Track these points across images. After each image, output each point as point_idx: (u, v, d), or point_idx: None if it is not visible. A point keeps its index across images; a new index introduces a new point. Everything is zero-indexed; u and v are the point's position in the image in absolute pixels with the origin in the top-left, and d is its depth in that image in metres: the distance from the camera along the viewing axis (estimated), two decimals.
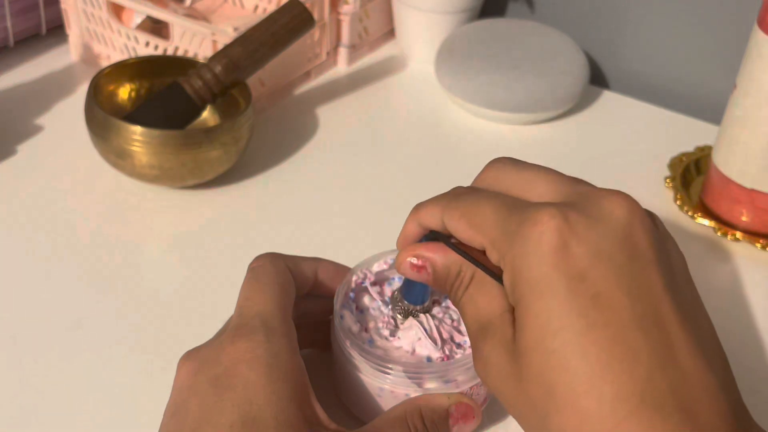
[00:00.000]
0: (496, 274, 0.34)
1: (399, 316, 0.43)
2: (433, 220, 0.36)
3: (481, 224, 0.34)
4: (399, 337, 0.42)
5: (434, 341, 0.41)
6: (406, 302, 0.42)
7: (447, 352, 0.41)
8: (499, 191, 0.35)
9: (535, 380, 0.30)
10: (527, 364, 0.30)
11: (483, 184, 0.37)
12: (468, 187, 0.37)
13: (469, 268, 0.35)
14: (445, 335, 0.42)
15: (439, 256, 0.36)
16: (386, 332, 0.43)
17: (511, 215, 0.32)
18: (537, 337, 0.30)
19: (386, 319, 0.43)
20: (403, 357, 0.41)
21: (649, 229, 0.32)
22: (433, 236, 0.37)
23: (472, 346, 0.34)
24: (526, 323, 0.31)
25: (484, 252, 0.34)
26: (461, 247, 0.35)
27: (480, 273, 0.35)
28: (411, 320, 0.42)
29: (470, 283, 0.35)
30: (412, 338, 0.42)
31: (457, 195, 0.36)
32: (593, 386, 0.29)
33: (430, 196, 0.54)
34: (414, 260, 0.37)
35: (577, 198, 0.32)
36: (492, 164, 0.37)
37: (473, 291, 0.35)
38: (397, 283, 0.46)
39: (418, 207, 0.37)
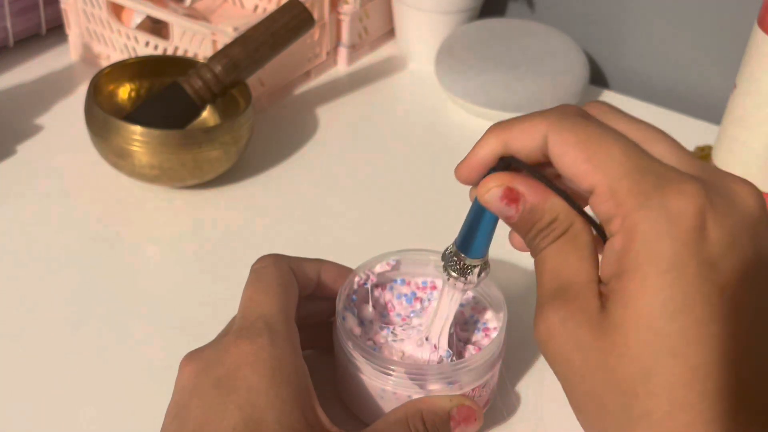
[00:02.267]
0: (601, 229, 0.30)
1: (453, 274, 0.37)
2: (529, 139, 0.31)
3: (605, 163, 0.29)
4: (401, 339, 0.42)
5: (439, 346, 0.41)
6: (463, 256, 0.37)
7: (447, 355, 0.41)
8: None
9: (630, 359, 0.28)
10: (622, 341, 0.28)
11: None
12: (580, 109, 0.32)
13: (567, 217, 0.31)
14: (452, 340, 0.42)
15: (535, 193, 0.31)
16: (389, 335, 0.42)
17: (648, 172, 0.29)
18: (648, 314, 0.27)
19: (388, 319, 0.43)
20: (405, 359, 0.41)
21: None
22: (506, 166, 0.32)
23: (541, 304, 0.31)
24: (637, 297, 0.28)
25: (580, 199, 0.31)
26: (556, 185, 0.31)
27: (575, 228, 0.31)
28: (413, 320, 0.42)
29: (562, 236, 0.31)
30: (415, 340, 0.42)
31: (571, 115, 0.31)
32: (699, 379, 0.27)
33: (430, 196, 0.53)
34: (501, 191, 0.31)
35: (710, 176, 0.30)
36: (594, 104, 0.33)
37: (563, 245, 0.31)
38: (399, 286, 0.46)
39: (507, 123, 0.32)
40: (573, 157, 0.30)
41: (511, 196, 0.31)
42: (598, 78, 0.80)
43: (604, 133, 0.30)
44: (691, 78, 0.76)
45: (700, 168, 0.30)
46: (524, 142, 0.31)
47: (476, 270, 0.37)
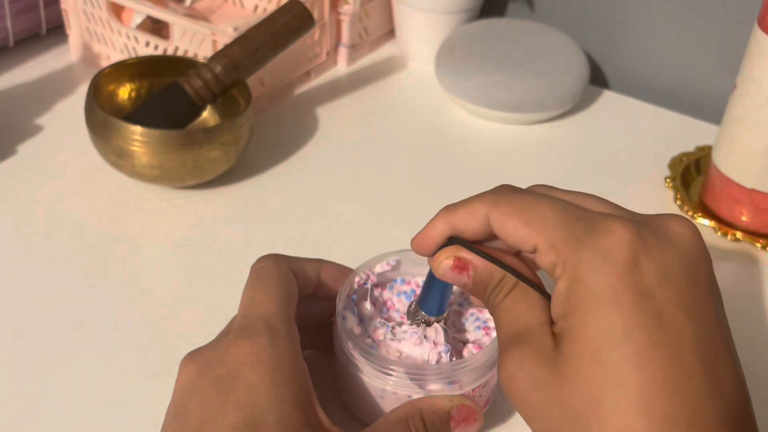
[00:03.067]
0: (538, 286, 0.34)
1: (417, 326, 0.42)
2: (472, 219, 0.35)
3: (539, 223, 0.32)
4: (401, 339, 0.42)
5: (438, 345, 0.41)
6: (423, 313, 0.42)
7: (445, 355, 0.41)
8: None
9: (580, 391, 0.30)
10: (573, 374, 0.30)
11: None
12: (513, 186, 0.36)
13: (511, 275, 0.35)
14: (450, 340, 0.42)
15: (481, 258, 0.35)
16: (388, 334, 0.42)
17: (578, 220, 0.32)
18: (593, 347, 0.30)
19: (389, 320, 0.43)
20: (405, 358, 0.41)
21: (708, 257, 0.32)
22: (453, 243, 0.36)
23: (501, 352, 0.33)
24: (582, 332, 0.30)
25: (518, 256, 0.35)
26: (494, 255, 0.35)
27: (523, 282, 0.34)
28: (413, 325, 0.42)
29: (512, 291, 0.34)
30: (414, 340, 0.42)
31: (504, 192, 0.35)
32: (645, 405, 0.28)
33: (430, 196, 0.53)
34: (451, 262, 0.36)
35: (642, 218, 0.32)
36: (533, 186, 0.36)
37: (514, 298, 0.34)
38: (399, 285, 0.46)
39: (452, 207, 0.36)
40: (513, 226, 0.33)
41: (461, 265, 0.36)
42: (598, 78, 0.80)
43: (535, 199, 0.33)
44: (691, 78, 0.76)
45: (631, 213, 0.33)
46: (468, 223, 0.35)
47: (438, 324, 0.42)
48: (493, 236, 0.35)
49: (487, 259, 0.35)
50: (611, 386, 0.29)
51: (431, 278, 0.40)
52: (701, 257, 0.32)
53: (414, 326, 0.42)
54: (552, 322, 0.33)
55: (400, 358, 0.41)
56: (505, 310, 0.34)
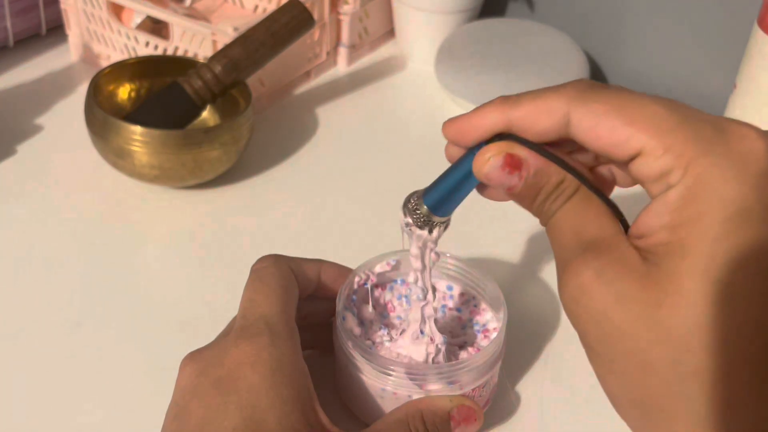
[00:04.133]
0: (605, 195, 0.30)
1: (418, 231, 0.36)
2: (544, 117, 0.29)
3: (650, 120, 0.27)
4: (396, 340, 0.42)
5: (436, 340, 0.41)
6: (426, 208, 0.35)
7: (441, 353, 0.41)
8: None
9: (683, 309, 0.26)
10: (675, 290, 0.26)
11: None
12: (592, 81, 0.30)
13: (573, 179, 0.30)
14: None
15: (537, 157, 0.30)
16: (384, 334, 0.42)
17: (699, 121, 0.27)
18: (708, 262, 0.26)
19: (389, 325, 0.43)
20: (405, 358, 0.41)
21: None
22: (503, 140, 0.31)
23: (565, 263, 0.29)
24: (697, 244, 0.26)
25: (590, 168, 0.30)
26: (557, 155, 0.30)
27: (585, 189, 0.30)
28: (412, 323, 0.42)
29: (573, 196, 0.30)
30: (410, 338, 0.42)
31: (590, 86, 0.29)
32: (759, 334, 0.25)
33: None
34: (501, 159, 0.30)
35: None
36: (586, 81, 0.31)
37: (579, 203, 0.29)
38: (399, 286, 0.46)
39: (515, 99, 0.31)
40: (609, 125, 0.28)
41: (513, 163, 0.30)
42: (598, 78, 0.80)
43: (635, 96, 0.28)
44: (691, 78, 0.76)
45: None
46: (537, 122, 0.30)
47: (442, 227, 0.36)
48: (561, 142, 0.30)
49: (550, 159, 0.29)
50: (725, 309, 0.25)
51: (458, 177, 0.34)
52: None
53: (408, 326, 0.42)
54: (632, 237, 0.28)
55: (398, 357, 0.41)
56: (568, 216, 0.29)
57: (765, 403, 0.25)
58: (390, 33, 0.81)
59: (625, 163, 0.28)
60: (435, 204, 0.35)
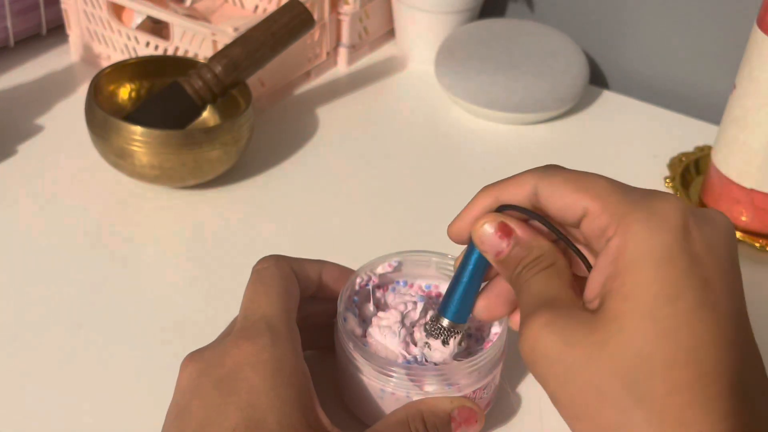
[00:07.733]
0: (581, 253, 0.35)
1: (434, 342, 0.40)
2: (519, 190, 0.35)
3: (593, 187, 0.33)
4: (401, 339, 0.42)
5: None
6: (447, 321, 0.39)
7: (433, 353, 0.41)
8: None
9: (628, 344, 0.30)
10: (617, 328, 0.30)
11: None
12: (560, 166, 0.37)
13: (552, 254, 0.35)
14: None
15: (524, 230, 0.35)
16: (389, 335, 0.42)
17: (630, 189, 0.33)
18: (645, 303, 0.30)
19: (389, 321, 0.43)
20: (404, 358, 0.41)
21: (737, 245, 0.33)
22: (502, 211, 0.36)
23: (525, 317, 0.33)
24: (634, 289, 0.30)
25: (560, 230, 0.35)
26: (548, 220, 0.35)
27: (560, 264, 0.35)
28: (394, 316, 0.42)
29: (547, 269, 0.35)
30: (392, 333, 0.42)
31: (553, 167, 0.36)
32: (693, 359, 0.29)
33: (430, 197, 0.53)
34: (495, 225, 0.36)
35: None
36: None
37: (549, 274, 0.34)
38: (400, 287, 0.46)
39: (495, 183, 0.36)
40: (563, 192, 0.34)
41: (505, 230, 0.35)
42: (597, 78, 0.80)
43: (586, 173, 0.34)
44: (691, 78, 0.76)
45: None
46: (516, 195, 0.35)
47: (458, 336, 0.40)
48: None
49: (541, 222, 0.35)
50: (662, 340, 0.29)
51: (458, 277, 0.38)
52: (735, 242, 0.33)
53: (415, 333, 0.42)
54: (585, 302, 0.33)
55: (376, 345, 0.41)
56: (536, 282, 0.34)
57: (713, 418, 0.29)
58: (390, 33, 0.81)
59: (576, 225, 0.34)
60: (450, 312, 0.39)
